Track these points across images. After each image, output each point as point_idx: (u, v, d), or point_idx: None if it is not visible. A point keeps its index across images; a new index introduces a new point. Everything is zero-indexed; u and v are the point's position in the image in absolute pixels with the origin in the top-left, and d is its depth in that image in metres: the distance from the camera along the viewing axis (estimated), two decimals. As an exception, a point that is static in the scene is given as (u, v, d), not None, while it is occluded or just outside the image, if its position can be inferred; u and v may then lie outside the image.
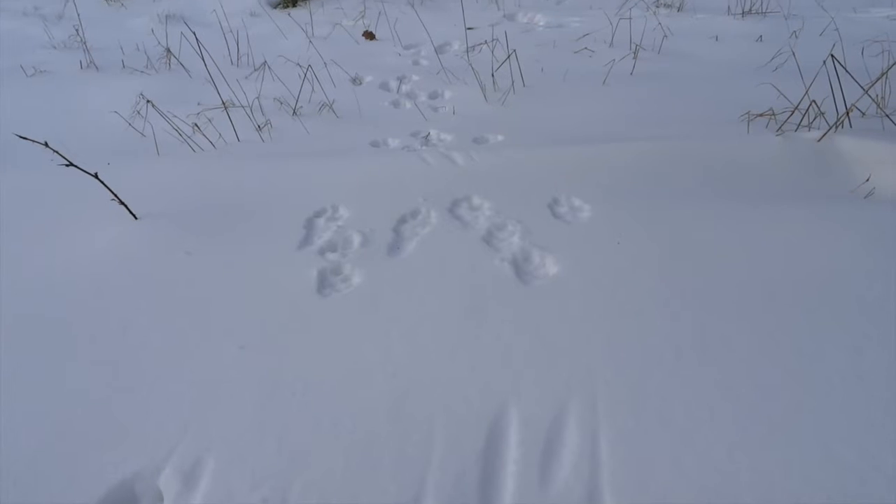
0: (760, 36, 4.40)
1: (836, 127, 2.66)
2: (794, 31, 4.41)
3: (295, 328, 1.84)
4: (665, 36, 4.42)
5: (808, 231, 2.09)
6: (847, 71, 2.76)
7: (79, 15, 5.09)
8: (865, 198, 2.32)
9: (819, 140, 2.63)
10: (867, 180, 2.39)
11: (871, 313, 1.74)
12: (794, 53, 3.56)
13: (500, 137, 3.12)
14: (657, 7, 5.29)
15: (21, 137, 2.33)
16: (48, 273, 2.13)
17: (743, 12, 4.95)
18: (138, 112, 3.56)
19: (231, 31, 4.77)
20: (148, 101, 3.40)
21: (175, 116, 3.39)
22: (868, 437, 1.41)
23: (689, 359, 1.64)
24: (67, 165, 2.34)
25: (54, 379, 1.70)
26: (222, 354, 1.76)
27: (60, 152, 2.43)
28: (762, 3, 5.01)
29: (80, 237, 2.33)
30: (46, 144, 2.31)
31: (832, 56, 2.71)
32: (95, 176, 2.36)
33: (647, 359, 1.65)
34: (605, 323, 1.78)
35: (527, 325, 1.79)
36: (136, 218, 2.42)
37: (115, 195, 2.39)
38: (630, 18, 4.72)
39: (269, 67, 4.12)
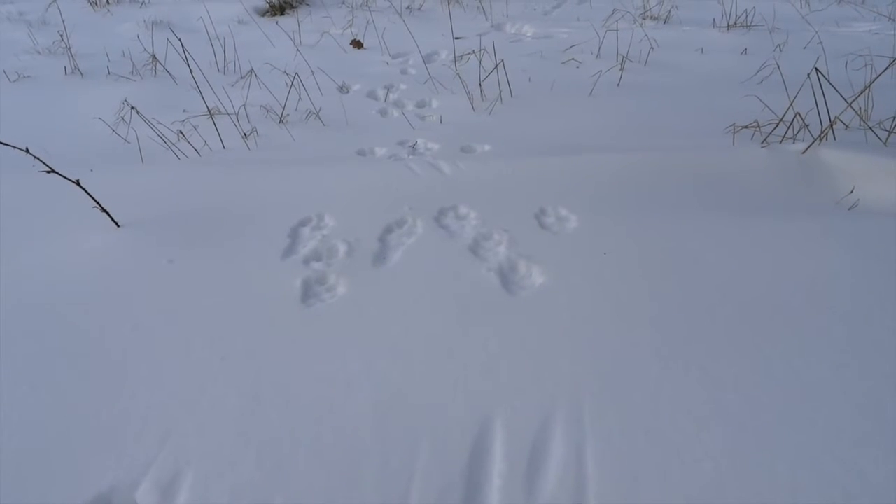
0: (745, 49, 4.43)
1: (821, 139, 2.68)
2: (779, 45, 4.45)
3: (278, 339, 1.81)
4: (651, 48, 4.44)
5: (793, 243, 2.10)
6: (831, 84, 2.79)
7: (63, 21, 5.05)
8: (850, 209, 2.33)
9: (804, 152, 2.65)
10: (851, 192, 2.41)
11: (856, 327, 1.75)
12: (778, 66, 3.59)
13: (487, 147, 3.12)
14: (643, 19, 5.33)
15: (2, 143, 2.30)
16: (26, 283, 2.09)
17: (728, 25, 4.99)
18: (123, 118, 3.52)
19: (218, 39, 4.74)
20: (132, 108, 3.37)
21: (160, 123, 3.36)
22: (854, 451, 1.40)
23: (675, 371, 1.63)
24: (49, 172, 2.31)
25: (29, 390, 1.66)
26: (203, 366, 1.73)
27: (43, 158, 2.40)
28: (747, 16, 5.06)
29: (60, 245, 2.30)
30: (27, 150, 2.27)
31: (816, 69, 2.73)
32: (77, 183, 2.32)
33: (634, 371, 1.64)
34: (592, 334, 1.77)
35: (513, 337, 1.78)
36: (118, 226, 2.38)
37: (97, 202, 2.36)
38: (617, 30, 4.75)
39: (255, 75, 4.10)
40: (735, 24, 5.01)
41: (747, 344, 1.71)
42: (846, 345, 1.68)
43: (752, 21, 5.03)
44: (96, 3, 5.93)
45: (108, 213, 2.38)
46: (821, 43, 4.18)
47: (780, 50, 4.36)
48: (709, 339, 1.73)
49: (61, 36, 4.70)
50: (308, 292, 2.01)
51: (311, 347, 1.78)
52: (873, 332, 1.72)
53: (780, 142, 2.80)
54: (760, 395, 1.55)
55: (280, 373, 1.69)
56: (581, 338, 1.76)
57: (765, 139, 2.84)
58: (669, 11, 5.44)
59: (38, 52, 4.71)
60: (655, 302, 1.88)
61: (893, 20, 4.96)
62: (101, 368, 1.73)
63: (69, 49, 4.50)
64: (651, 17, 5.38)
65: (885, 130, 2.76)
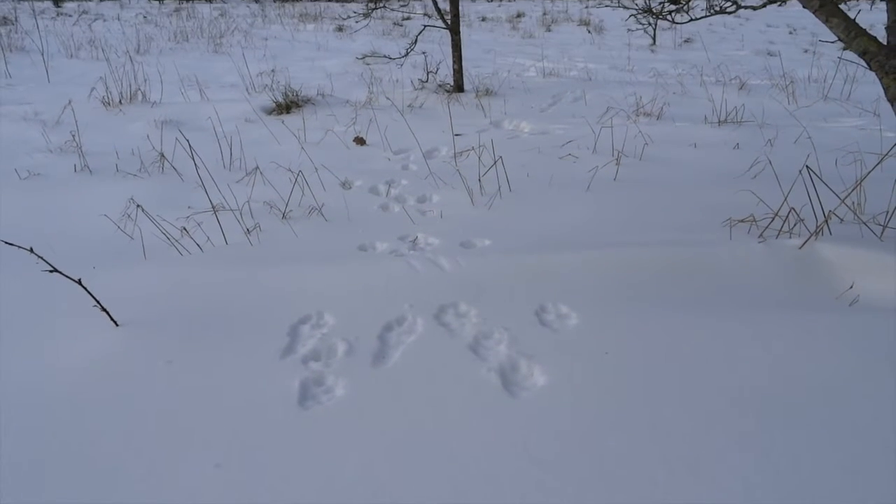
0: (737, 144, 4.56)
1: (817, 234, 2.72)
2: (769, 140, 4.59)
3: (274, 444, 1.77)
4: (646, 143, 4.57)
5: (796, 341, 2.09)
6: (823, 181, 2.85)
7: (76, 120, 5.23)
8: (851, 305, 2.33)
9: (801, 247, 2.67)
10: (851, 287, 2.41)
11: (865, 428, 1.71)
12: (770, 161, 3.68)
13: (486, 242, 3.15)
14: (637, 116, 5.51)
15: (7, 243, 2.33)
16: (21, 383, 2.06)
17: (719, 121, 5.16)
18: (128, 215, 3.58)
19: (225, 137, 4.89)
20: (138, 206, 3.43)
21: (164, 220, 3.41)
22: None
23: (682, 477, 1.58)
24: (51, 271, 2.33)
25: (17, 494, 1.61)
26: (197, 473, 1.68)
27: (48, 255, 2.42)
28: (737, 112, 5.24)
29: (59, 345, 2.28)
30: (31, 250, 2.31)
31: (807, 167, 2.80)
32: (79, 282, 2.34)
33: (639, 478, 1.59)
34: (595, 439, 1.73)
35: (514, 441, 1.73)
36: (117, 325, 2.38)
37: (98, 301, 2.36)
38: (611, 126, 4.90)
39: (260, 172, 4.20)
40: (726, 119, 5.18)
41: (756, 448, 1.66)
42: (857, 451, 1.64)
43: (742, 117, 5.20)
44: (109, 104, 6.16)
45: (107, 313, 2.37)
46: (810, 138, 4.30)
47: (771, 145, 4.49)
48: (714, 443, 1.69)
49: (73, 135, 4.85)
50: (306, 394, 1.98)
51: (307, 453, 1.73)
52: (882, 437, 1.68)
53: (777, 236, 2.83)
54: (769, 500, 1.50)
55: (275, 481, 1.64)
56: (584, 443, 1.71)
57: (761, 234, 2.87)
58: (662, 108, 5.63)
59: (50, 151, 4.84)
60: (658, 403, 1.84)
61: (878, 116, 5.13)
62: (92, 474, 1.68)
63: (80, 147, 4.63)
64: (644, 113, 5.56)
65: (880, 225, 2.80)
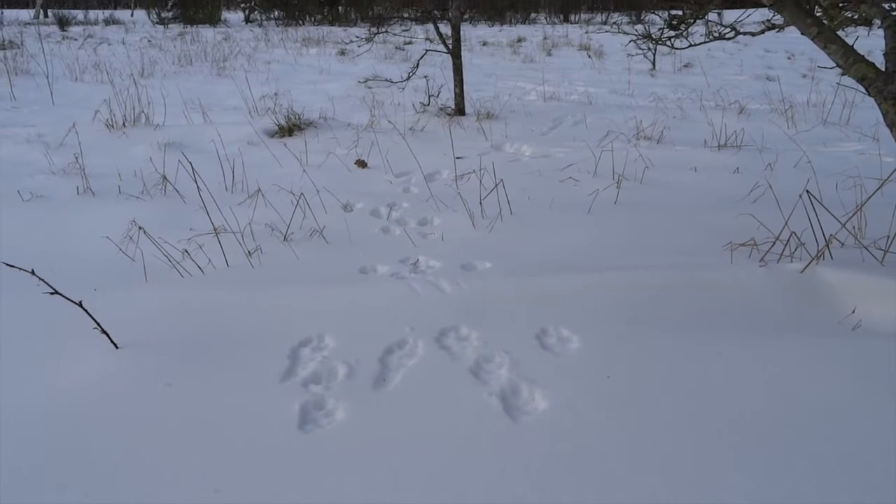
0: (737, 168, 4.58)
1: (818, 258, 2.72)
2: (769, 164, 4.61)
3: (273, 469, 1.75)
4: (646, 167, 4.59)
5: (798, 364, 2.08)
6: (823, 206, 2.86)
7: (80, 142, 5.26)
8: (853, 330, 2.32)
9: (802, 271, 2.67)
10: (853, 312, 2.41)
11: (867, 453, 1.69)
12: (770, 186, 3.69)
13: (487, 264, 3.15)
14: (637, 139, 5.55)
15: (8, 265, 2.33)
16: (18, 407, 2.05)
17: (719, 145, 5.19)
18: (130, 237, 3.59)
19: (228, 159, 4.92)
20: (140, 228, 3.44)
21: (166, 242, 3.42)
22: None
23: (684, 500, 1.56)
24: (52, 293, 2.33)
25: (12, 526, 1.59)
26: (196, 498, 1.66)
27: (49, 277, 2.42)
28: (736, 137, 5.27)
29: (58, 367, 2.27)
30: (33, 272, 2.31)
31: (808, 192, 2.81)
32: (80, 305, 2.34)
33: (642, 502, 1.57)
34: (598, 464, 1.71)
35: (516, 466, 1.72)
36: (116, 347, 2.37)
37: (98, 324, 2.36)
38: (612, 150, 4.92)
39: (262, 194, 4.21)
40: (725, 144, 5.21)
41: (761, 473, 1.65)
42: (864, 477, 1.62)
43: (741, 141, 5.23)
44: (113, 126, 6.20)
45: (107, 335, 2.37)
46: (809, 162, 4.32)
47: (771, 169, 4.50)
48: (719, 468, 1.67)
49: (76, 157, 4.88)
50: (306, 418, 1.97)
51: (307, 478, 1.72)
52: (883, 458, 1.66)
53: (778, 261, 2.83)
54: (777, 532, 1.48)
55: (274, 506, 1.62)
56: (587, 468, 1.70)
57: (762, 258, 2.87)
58: (662, 132, 5.66)
59: (53, 173, 4.87)
60: (660, 426, 1.83)
61: (878, 140, 5.16)
62: (89, 496, 1.66)
63: (83, 169, 4.65)
64: (644, 137, 5.60)
65: (881, 250, 2.80)
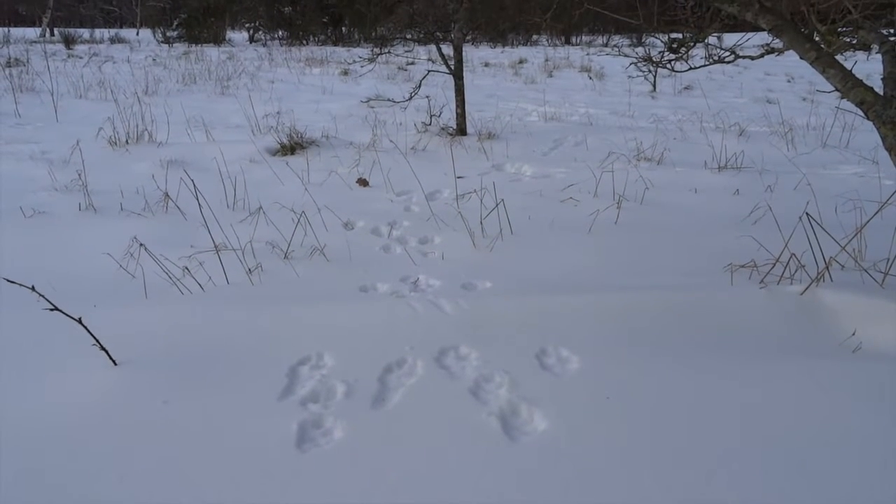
0: (737, 189, 4.60)
1: (818, 281, 2.72)
2: (769, 186, 4.62)
3: (271, 488, 1.74)
4: (647, 188, 4.61)
5: (798, 386, 2.07)
6: (823, 228, 2.86)
7: (83, 159, 5.29)
8: (854, 352, 2.31)
9: (802, 293, 2.67)
10: (853, 334, 2.40)
11: (868, 474, 1.68)
12: (770, 208, 3.70)
13: (488, 284, 3.15)
14: (638, 160, 5.57)
15: (9, 281, 2.33)
16: (14, 424, 2.04)
17: (719, 167, 5.21)
18: (131, 254, 3.59)
19: (230, 177, 4.94)
20: (141, 245, 3.45)
21: (167, 259, 3.42)
22: None
23: (686, 528, 1.55)
24: (52, 310, 2.33)
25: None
26: (191, 517, 1.65)
27: (49, 294, 2.42)
28: (736, 159, 5.29)
29: (56, 384, 2.27)
30: (33, 288, 2.31)
31: (807, 214, 2.82)
32: (79, 321, 2.33)
33: (643, 527, 1.56)
34: (598, 487, 1.70)
35: (514, 487, 1.71)
36: (115, 364, 2.36)
37: (97, 341, 2.36)
38: (612, 171, 4.94)
39: (263, 212, 4.23)
40: (726, 165, 5.23)
41: (755, 490, 1.64)
42: (859, 493, 1.61)
43: (741, 163, 5.25)
44: (116, 143, 6.24)
45: (106, 352, 2.36)
46: (809, 185, 4.33)
47: (771, 191, 4.52)
48: (719, 493, 1.66)
49: (79, 174, 4.90)
50: (304, 437, 1.96)
51: (304, 496, 1.71)
52: (885, 480, 1.65)
53: (778, 282, 2.83)
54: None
55: (270, 526, 1.61)
56: (586, 491, 1.69)
57: (762, 279, 2.87)
58: (662, 153, 5.69)
59: (56, 189, 4.89)
60: (659, 448, 1.82)
61: (877, 163, 5.18)
62: (83, 520, 1.65)
63: (85, 186, 4.67)
64: (645, 158, 5.62)
65: (881, 272, 2.80)
